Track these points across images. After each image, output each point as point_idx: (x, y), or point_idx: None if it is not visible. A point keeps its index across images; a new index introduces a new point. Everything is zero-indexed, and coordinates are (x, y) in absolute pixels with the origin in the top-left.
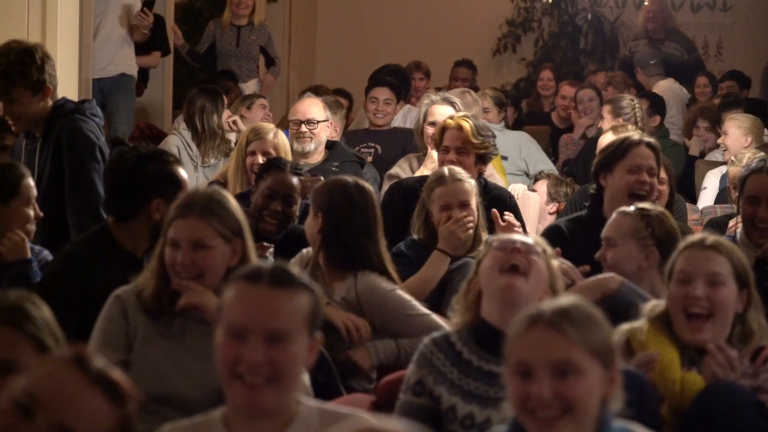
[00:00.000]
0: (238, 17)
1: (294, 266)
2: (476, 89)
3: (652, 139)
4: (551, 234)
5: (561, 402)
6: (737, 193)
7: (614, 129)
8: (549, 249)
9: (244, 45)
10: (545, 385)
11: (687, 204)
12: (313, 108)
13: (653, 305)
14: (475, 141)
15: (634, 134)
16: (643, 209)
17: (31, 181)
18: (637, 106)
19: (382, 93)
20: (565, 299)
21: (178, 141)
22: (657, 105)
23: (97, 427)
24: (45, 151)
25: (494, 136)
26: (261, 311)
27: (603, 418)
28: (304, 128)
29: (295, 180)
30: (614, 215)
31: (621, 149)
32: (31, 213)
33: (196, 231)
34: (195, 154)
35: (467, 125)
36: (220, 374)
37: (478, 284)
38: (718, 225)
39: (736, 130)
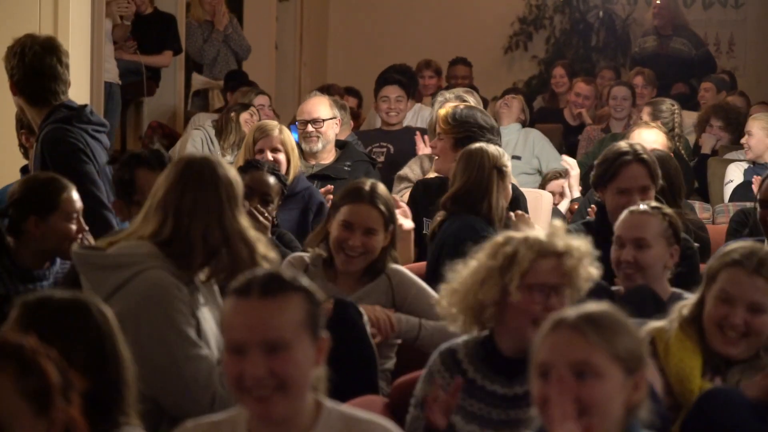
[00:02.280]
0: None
1: (287, 269)
2: (474, 87)
3: (646, 155)
4: (582, 230)
5: (578, 404)
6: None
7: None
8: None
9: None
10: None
11: (697, 203)
12: (318, 107)
13: (682, 306)
14: (444, 126)
15: (629, 147)
16: (659, 207)
17: (74, 194)
18: (676, 111)
19: (393, 91)
20: (593, 305)
21: (202, 135)
22: None
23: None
24: (36, 159)
25: (483, 126)
26: (255, 325)
27: (630, 426)
28: (310, 128)
29: (272, 179)
30: (632, 216)
31: (612, 169)
32: (73, 227)
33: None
34: (215, 150)
35: (443, 111)
36: (229, 389)
37: (486, 295)
38: (749, 214)
39: (760, 130)
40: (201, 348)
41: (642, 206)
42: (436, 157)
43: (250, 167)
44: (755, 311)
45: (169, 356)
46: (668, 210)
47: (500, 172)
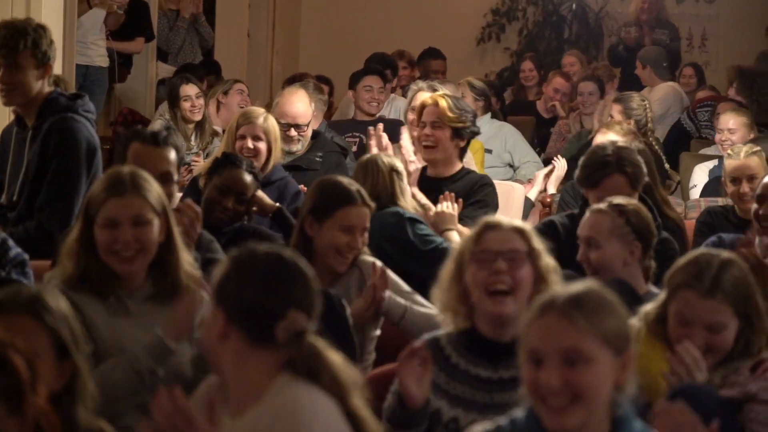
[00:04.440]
0: None
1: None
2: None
3: (629, 165)
4: (545, 229)
5: (570, 390)
6: (734, 187)
7: (605, 128)
8: (537, 241)
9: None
10: (554, 373)
11: (670, 197)
12: (301, 110)
13: (650, 308)
14: (450, 115)
15: (612, 155)
16: (618, 204)
17: None
18: (647, 105)
19: (377, 81)
20: (579, 285)
21: (162, 124)
22: None
23: None
24: (33, 146)
25: (475, 116)
26: None
27: (617, 404)
28: (293, 132)
29: (248, 178)
30: (589, 214)
31: (594, 178)
32: None
33: (135, 207)
34: (179, 139)
35: (443, 101)
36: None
37: (462, 283)
38: (715, 214)
39: (743, 127)
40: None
41: (600, 205)
42: (430, 147)
43: (228, 163)
44: (714, 331)
45: None
46: (630, 207)
47: (397, 173)
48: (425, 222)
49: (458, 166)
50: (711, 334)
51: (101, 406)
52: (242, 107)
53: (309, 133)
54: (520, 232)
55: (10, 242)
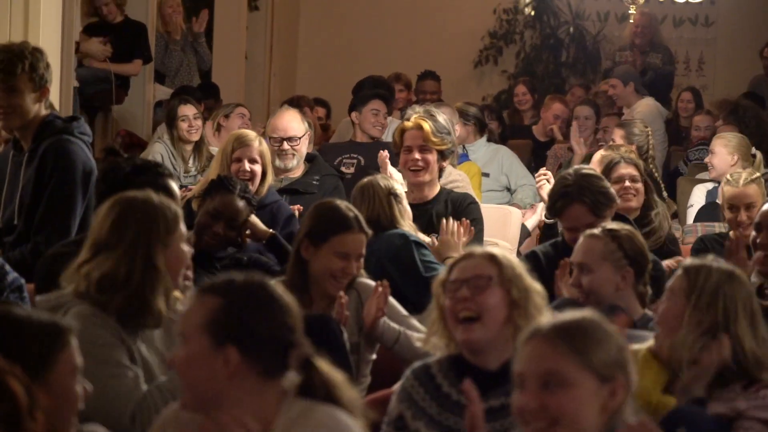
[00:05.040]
0: None
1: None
2: (440, 101)
3: (587, 194)
4: (528, 261)
5: (548, 413)
6: (731, 214)
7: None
8: (511, 266)
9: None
10: (531, 396)
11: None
12: (293, 124)
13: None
14: (435, 139)
15: (572, 183)
16: (611, 230)
17: None
18: (649, 132)
19: (383, 106)
20: (573, 314)
21: (162, 149)
22: None
23: None
24: (30, 168)
25: (450, 134)
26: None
27: (612, 430)
28: (286, 145)
29: (241, 204)
30: (582, 239)
31: (555, 209)
32: None
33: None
34: (178, 163)
35: (426, 125)
36: None
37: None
38: (710, 241)
39: (723, 148)
40: (126, 369)
41: (594, 230)
42: (419, 170)
43: (221, 187)
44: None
45: (92, 376)
46: (623, 232)
47: (395, 197)
48: (429, 248)
49: (438, 188)
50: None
51: None
52: (191, 132)
53: (303, 149)
54: (491, 258)
55: (7, 267)
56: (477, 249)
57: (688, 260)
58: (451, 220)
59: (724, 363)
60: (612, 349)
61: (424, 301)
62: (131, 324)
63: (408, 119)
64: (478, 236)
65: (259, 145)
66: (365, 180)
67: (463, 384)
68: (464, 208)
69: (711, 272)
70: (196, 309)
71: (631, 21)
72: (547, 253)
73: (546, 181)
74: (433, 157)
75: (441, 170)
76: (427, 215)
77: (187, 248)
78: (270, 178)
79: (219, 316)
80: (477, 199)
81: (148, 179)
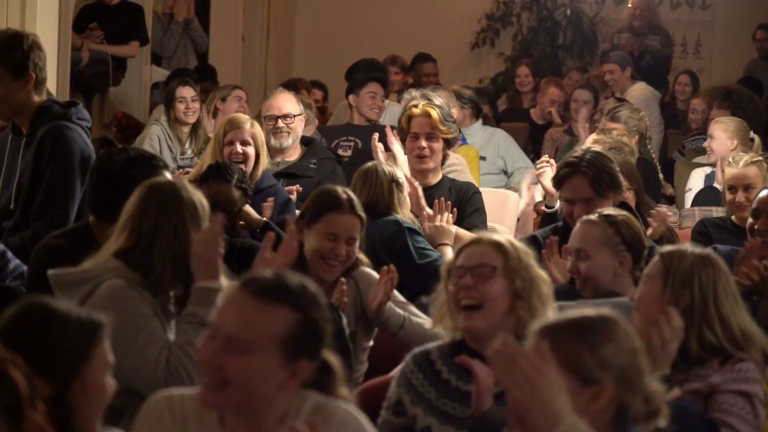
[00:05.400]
0: None
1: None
2: (438, 84)
3: (589, 167)
4: (528, 245)
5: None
6: (732, 196)
7: (597, 135)
8: (517, 255)
9: None
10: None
11: (664, 206)
12: (288, 103)
13: None
14: (442, 128)
15: (577, 157)
16: (608, 215)
17: None
18: (644, 116)
19: (380, 89)
20: (578, 312)
21: (159, 131)
22: None
23: None
24: (28, 154)
25: (455, 122)
26: (229, 316)
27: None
28: (281, 123)
29: (236, 193)
30: (579, 225)
31: (557, 178)
32: None
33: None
34: (175, 145)
35: (434, 112)
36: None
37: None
38: (711, 224)
39: (722, 133)
40: (161, 335)
41: (591, 216)
42: (424, 157)
43: (219, 175)
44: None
45: (134, 342)
46: (621, 218)
47: (397, 184)
48: (423, 235)
49: (440, 175)
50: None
51: None
52: (188, 114)
53: (298, 129)
54: (497, 247)
55: (9, 254)
56: (485, 235)
57: (666, 247)
58: (441, 200)
59: (679, 337)
60: (601, 352)
61: (418, 287)
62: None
63: (416, 106)
64: (481, 226)
65: (251, 127)
66: (369, 164)
67: (458, 359)
68: (469, 197)
69: (685, 255)
70: (266, 320)
71: (630, 5)
72: (548, 237)
73: (548, 169)
74: (439, 145)
75: (445, 158)
76: (430, 201)
77: None
78: (264, 161)
79: (296, 333)
80: (479, 189)
81: (143, 172)
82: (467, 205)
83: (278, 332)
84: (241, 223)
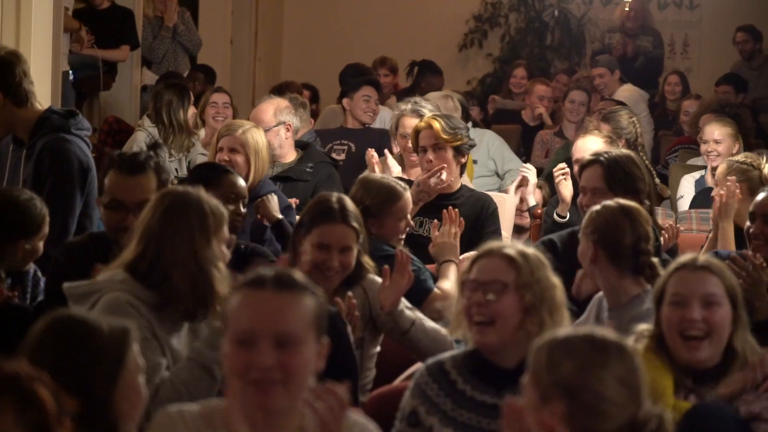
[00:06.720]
0: None
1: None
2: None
3: (610, 161)
4: (544, 249)
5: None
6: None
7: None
8: (530, 269)
9: None
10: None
11: (660, 209)
12: (261, 114)
13: (642, 329)
14: (446, 136)
15: (604, 152)
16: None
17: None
18: (636, 122)
19: (374, 92)
20: (575, 330)
21: (145, 137)
22: None
23: None
24: (28, 165)
25: (467, 129)
26: (268, 315)
27: None
28: None
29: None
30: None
31: (582, 165)
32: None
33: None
34: (162, 149)
35: (436, 123)
36: (227, 380)
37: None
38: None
39: (728, 137)
40: (155, 359)
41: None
42: (443, 167)
43: (220, 170)
44: (709, 304)
45: None
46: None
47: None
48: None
49: (459, 183)
50: (707, 309)
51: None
52: (218, 120)
53: (273, 140)
54: (510, 261)
55: (39, 273)
56: (498, 246)
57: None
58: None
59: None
60: (579, 371)
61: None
62: (182, 314)
63: (421, 117)
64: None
65: (242, 134)
66: (368, 174)
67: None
68: (489, 213)
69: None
70: (301, 308)
71: (627, 9)
72: (565, 242)
73: (563, 179)
74: (447, 155)
75: (461, 165)
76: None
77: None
78: (259, 168)
79: (318, 312)
80: (496, 203)
81: None
82: (487, 222)
83: (311, 316)
84: (258, 216)
